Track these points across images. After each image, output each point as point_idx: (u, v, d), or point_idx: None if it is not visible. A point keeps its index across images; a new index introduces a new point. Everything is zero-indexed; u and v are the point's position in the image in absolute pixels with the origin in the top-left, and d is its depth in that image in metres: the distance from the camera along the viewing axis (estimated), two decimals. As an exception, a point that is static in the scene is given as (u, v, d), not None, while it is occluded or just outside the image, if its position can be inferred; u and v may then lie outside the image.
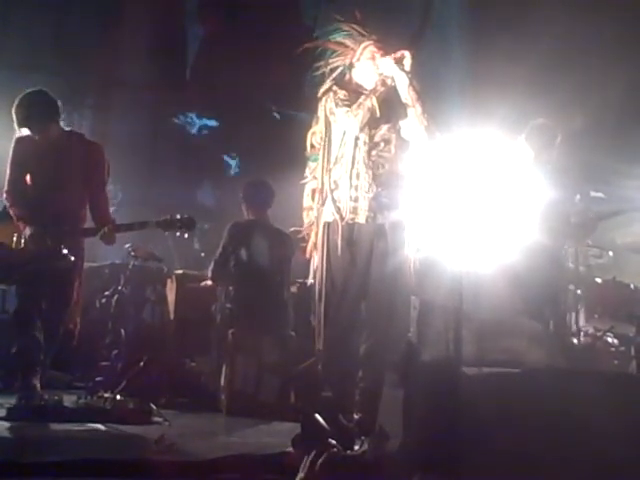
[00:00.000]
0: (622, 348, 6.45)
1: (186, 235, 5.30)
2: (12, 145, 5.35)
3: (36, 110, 5.23)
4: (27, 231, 5.14)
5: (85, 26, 9.33)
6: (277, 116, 10.09)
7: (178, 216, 5.23)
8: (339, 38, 4.59)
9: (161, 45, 9.59)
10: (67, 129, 5.50)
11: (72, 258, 5.13)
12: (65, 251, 5.09)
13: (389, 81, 4.38)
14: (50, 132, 5.31)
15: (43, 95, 5.32)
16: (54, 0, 9.24)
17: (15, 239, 5.19)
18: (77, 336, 5.54)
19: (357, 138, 4.38)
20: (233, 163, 10.15)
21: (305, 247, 4.62)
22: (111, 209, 5.60)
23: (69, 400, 5.33)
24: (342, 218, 4.34)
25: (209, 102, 9.98)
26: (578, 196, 6.26)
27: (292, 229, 6.15)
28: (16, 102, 5.24)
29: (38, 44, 9.05)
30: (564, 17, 7.63)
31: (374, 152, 4.39)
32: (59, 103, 5.36)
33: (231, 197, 8.81)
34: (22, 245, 5.17)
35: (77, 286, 5.37)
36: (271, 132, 9.60)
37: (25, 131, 5.29)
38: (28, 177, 5.30)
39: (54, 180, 5.26)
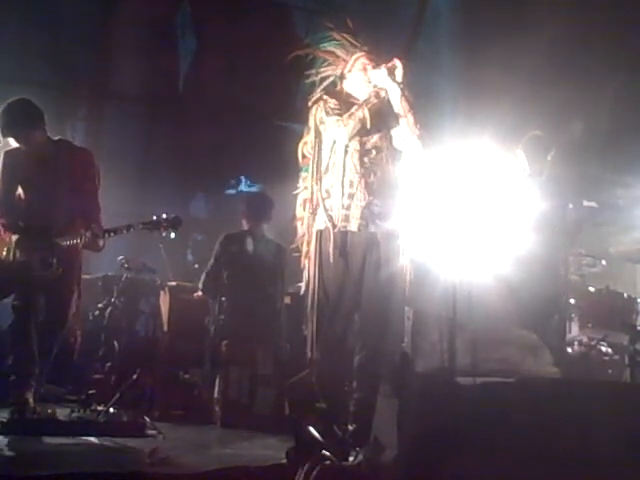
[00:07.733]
0: (616, 357, 6.44)
1: (172, 235, 5.19)
2: (0, 159, 5.29)
3: (18, 118, 5.15)
4: (13, 240, 5.09)
5: (78, 40, 9.33)
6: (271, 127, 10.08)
7: (164, 216, 5.13)
8: (330, 47, 4.58)
9: (153, 58, 9.59)
10: (55, 138, 5.38)
11: (60, 269, 5.06)
12: (54, 260, 5.02)
13: (382, 93, 4.37)
14: (35, 141, 5.21)
15: (24, 103, 5.21)
16: (47, 14, 9.23)
17: (5, 252, 5.15)
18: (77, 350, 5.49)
19: (347, 146, 4.35)
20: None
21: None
22: None
23: (62, 413, 5.30)
24: (334, 226, 4.31)
25: (202, 114, 9.97)
26: (571, 205, 6.28)
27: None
28: None
29: (31, 57, 9.05)
30: (556, 28, 7.65)
31: (365, 159, 4.36)
32: (42, 111, 5.25)
33: (224, 209, 8.81)
34: (10, 256, 5.10)
35: (75, 298, 5.28)
36: (265, 142, 9.59)
37: (11, 141, 5.22)
38: (18, 188, 5.23)
39: (43, 190, 5.19)
